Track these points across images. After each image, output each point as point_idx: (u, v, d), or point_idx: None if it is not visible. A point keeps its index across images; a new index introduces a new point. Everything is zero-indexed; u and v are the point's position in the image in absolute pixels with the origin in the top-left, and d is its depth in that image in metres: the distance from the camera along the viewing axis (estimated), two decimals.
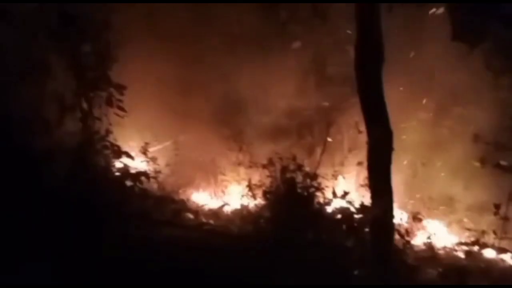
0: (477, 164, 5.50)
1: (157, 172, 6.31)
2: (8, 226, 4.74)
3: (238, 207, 6.16)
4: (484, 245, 4.90)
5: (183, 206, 6.42)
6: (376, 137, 4.70)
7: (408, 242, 4.90)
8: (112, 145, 6.15)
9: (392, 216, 4.74)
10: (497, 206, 4.97)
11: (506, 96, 4.78)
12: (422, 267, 4.78)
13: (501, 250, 4.90)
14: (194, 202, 6.60)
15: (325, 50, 7.05)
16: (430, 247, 5.31)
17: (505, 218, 4.96)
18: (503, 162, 5.08)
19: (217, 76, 6.88)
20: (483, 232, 5.08)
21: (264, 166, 5.56)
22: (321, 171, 5.52)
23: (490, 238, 5.05)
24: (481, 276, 4.55)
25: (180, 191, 6.57)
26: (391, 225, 4.75)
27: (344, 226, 4.42)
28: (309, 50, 7.13)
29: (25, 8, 6.09)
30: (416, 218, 5.67)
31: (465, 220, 5.70)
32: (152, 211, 5.88)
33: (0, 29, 6.16)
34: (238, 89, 6.72)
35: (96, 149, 6.16)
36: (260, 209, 5.35)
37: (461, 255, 5.25)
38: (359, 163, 5.58)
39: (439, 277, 4.66)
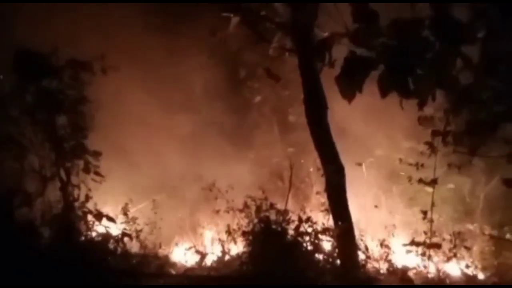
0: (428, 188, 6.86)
1: (138, 231, 7.19)
2: None
3: (220, 254, 7.15)
4: (418, 244, 6.27)
5: (166, 261, 7.43)
6: (330, 172, 6.11)
7: (369, 257, 6.35)
8: (90, 211, 7.20)
9: (353, 236, 6.06)
10: (424, 212, 6.49)
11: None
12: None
13: (432, 246, 6.28)
14: (176, 256, 7.57)
15: (284, 102, 8.74)
16: (391, 265, 6.60)
17: (431, 220, 6.46)
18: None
19: (186, 132, 8.20)
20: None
21: (240, 210, 6.77)
22: (290, 206, 6.79)
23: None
24: None
25: (162, 248, 7.48)
26: (354, 244, 6.06)
27: (310, 246, 5.73)
28: (270, 103, 8.82)
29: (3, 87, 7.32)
30: (383, 244, 6.94)
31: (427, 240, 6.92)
32: (137, 268, 6.87)
33: None
34: (208, 144, 8.08)
35: (77, 215, 7.18)
36: (240, 248, 6.50)
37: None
38: (317, 193, 7.05)
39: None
